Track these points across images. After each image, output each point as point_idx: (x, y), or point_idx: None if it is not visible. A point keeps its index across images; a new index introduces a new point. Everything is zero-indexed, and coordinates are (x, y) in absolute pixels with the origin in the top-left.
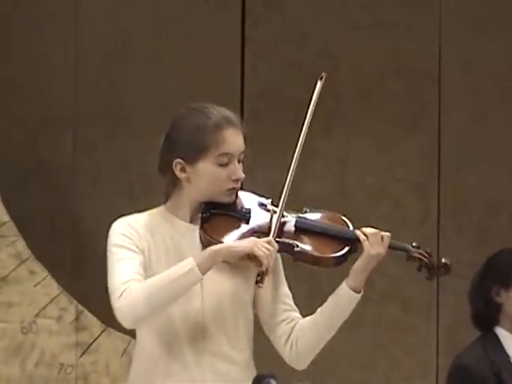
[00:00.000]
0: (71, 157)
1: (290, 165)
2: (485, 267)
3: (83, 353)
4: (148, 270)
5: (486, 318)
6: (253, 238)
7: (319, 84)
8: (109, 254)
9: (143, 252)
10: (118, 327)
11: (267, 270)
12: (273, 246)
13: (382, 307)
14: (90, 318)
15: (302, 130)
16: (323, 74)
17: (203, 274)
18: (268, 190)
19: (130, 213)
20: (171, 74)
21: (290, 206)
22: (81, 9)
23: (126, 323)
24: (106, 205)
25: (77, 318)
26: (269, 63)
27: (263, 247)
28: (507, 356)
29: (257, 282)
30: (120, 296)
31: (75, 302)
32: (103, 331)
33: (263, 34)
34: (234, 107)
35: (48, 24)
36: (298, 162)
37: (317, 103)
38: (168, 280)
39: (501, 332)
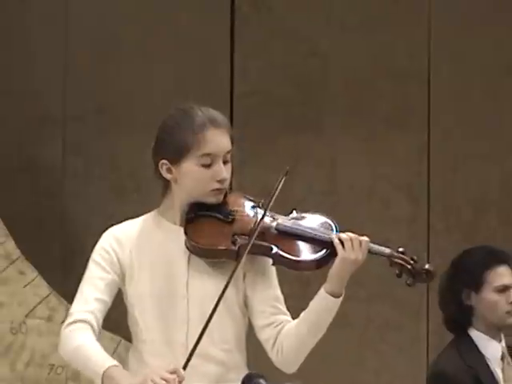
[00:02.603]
0: (60, 156)
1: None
2: (453, 270)
3: None
4: (129, 280)
5: (458, 321)
6: (151, 371)
7: (284, 179)
8: (87, 267)
9: (121, 268)
10: (108, 327)
11: None
12: (178, 375)
13: (371, 306)
14: None
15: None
16: (287, 168)
17: None
18: (256, 189)
19: (119, 212)
20: (160, 73)
21: (278, 205)
22: (70, 7)
23: (58, 349)
24: (95, 204)
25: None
26: (258, 63)
27: (161, 379)
28: (482, 356)
29: None
30: (68, 326)
31: (65, 302)
32: None
33: (252, 35)
34: (223, 107)
35: (37, 22)
36: (287, 161)
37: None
38: (84, 364)
39: (474, 333)
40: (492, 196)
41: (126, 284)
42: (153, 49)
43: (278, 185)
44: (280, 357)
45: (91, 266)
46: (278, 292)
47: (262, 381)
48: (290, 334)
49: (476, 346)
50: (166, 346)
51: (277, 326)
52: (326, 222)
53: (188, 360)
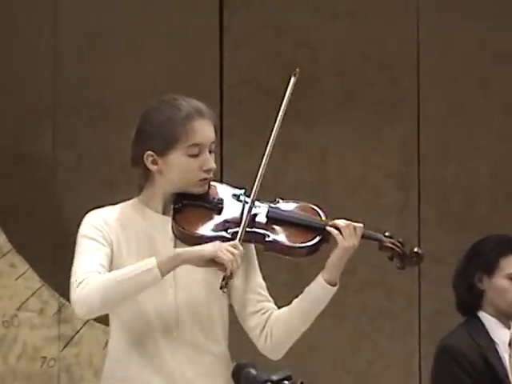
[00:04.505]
0: (51, 148)
1: (263, 158)
2: (469, 253)
3: (65, 345)
4: (118, 262)
5: (469, 303)
6: (217, 242)
7: (293, 80)
8: (77, 245)
9: (112, 244)
10: (100, 319)
11: (232, 274)
12: (238, 250)
13: (364, 295)
14: (72, 311)
15: (274, 125)
16: (297, 70)
17: (163, 275)
18: (247, 180)
19: (111, 204)
20: (150, 64)
21: (270, 196)
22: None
23: (80, 314)
24: (87, 196)
25: (59, 311)
26: (247, 53)
27: (227, 251)
28: (491, 339)
29: (221, 287)
30: (78, 286)
31: (57, 294)
32: (85, 324)
33: (242, 24)
34: (212, 97)
35: (26, 14)
36: (278, 151)
37: (290, 99)
38: (127, 276)
39: (484, 316)
40: (483, 185)
41: (113, 268)
42: (142, 39)
43: (287, 89)
44: (268, 343)
45: (84, 241)
46: (261, 279)
47: (252, 370)
48: (280, 321)
49: (485, 327)
50: (159, 332)
51: (264, 313)
52: (312, 209)
53: (241, 234)
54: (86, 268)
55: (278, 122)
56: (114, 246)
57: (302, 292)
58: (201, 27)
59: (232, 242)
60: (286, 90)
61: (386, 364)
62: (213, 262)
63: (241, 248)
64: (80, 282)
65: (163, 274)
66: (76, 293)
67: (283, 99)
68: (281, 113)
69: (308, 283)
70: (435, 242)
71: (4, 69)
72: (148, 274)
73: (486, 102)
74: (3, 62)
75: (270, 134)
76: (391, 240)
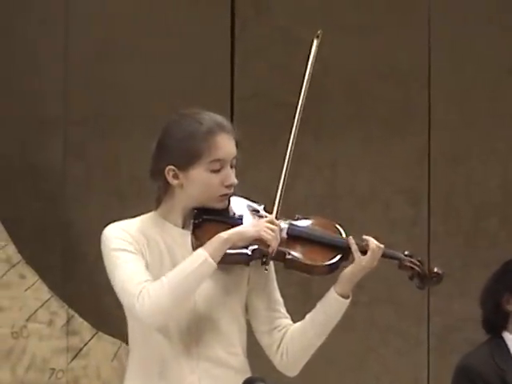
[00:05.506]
0: (61, 159)
1: (282, 169)
2: (499, 272)
3: (74, 357)
4: None
5: (494, 323)
6: (256, 221)
7: (316, 42)
8: (110, 259)
9: (141, 254)
10: (109, 331)
11: (273, 251)
12: (276, 225)
13: (373, 310)
14: (80, 323)
15: (298, 101)
16: (319, 32)
17: (217, 262)
18: (258, 193)
19: (121, 216)
20: (161, 76)
21: (281, 211)
22: (70, 10)
23: (155, 321)
24: (96, 208)
25: (67, 323)
26: (258, 66)
27: (269, 229)
28: None
29: (263, 264)
30: (138, 299)
31: (66, 306)
32: (94, 335)
33: (252, 37)
34: (223, 110)
35: (38, 25)
36: (289, 162)
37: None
38: (184, 274)
39: (508, 338)
40: (493, 200)
41: None
42: (153, 51)
43: (310, 51)
44: (285, 360)
45: (118, 253)
46: (279, 295)
47: None
48: (295, 337)
49: (508, 348)
50: (179, 348)
51: (281, 330)
52: (333, 226)
53: (278, 209)
54: (135, 280)
55: (300, 103)
56: (142, 255)
57: (312, 306)
58: (212, 39)
59: (268, 219)
60: (308, 55)
61: (394, 379)
62: (255, 240)
63: (277, 222)
64: (139, 295)
65: (217, 261)
66: (140, 305)
67: (306, 65)
68: (304, 88)
69: (318, 297)
70: (445, 257)
71: (13, 79)
72: (205, 266)
73: (499, 116)
74: (13, 72)
75: (290, 132)
76: (411, 259)
